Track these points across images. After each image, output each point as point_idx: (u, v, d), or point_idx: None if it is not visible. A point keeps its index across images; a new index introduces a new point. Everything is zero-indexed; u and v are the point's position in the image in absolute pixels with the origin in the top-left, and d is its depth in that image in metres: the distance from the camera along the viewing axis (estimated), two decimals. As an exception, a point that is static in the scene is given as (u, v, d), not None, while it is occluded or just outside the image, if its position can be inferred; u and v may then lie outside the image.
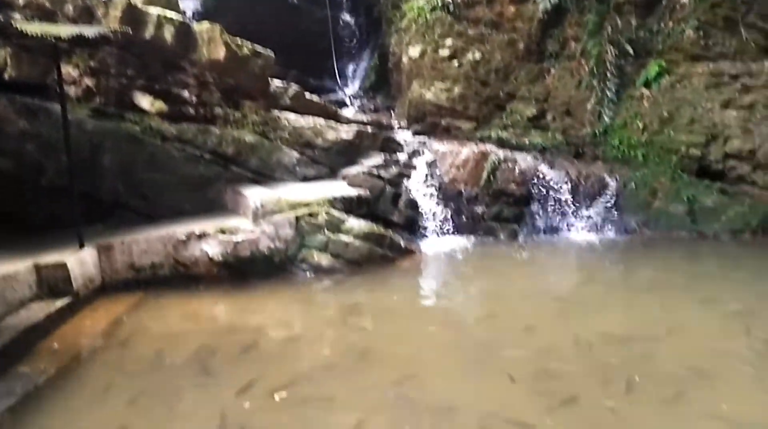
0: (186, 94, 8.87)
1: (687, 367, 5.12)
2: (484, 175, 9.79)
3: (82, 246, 7.08)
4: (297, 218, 7.99)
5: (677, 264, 8.03)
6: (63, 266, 6.56)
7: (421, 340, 6.03)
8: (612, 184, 9.79)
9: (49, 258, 6.63)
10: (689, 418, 4.39)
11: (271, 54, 9.41)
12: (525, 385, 4.92)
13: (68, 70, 8.30)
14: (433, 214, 9.44)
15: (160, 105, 8.69)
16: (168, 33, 8.50)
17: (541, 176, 9.75)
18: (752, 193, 9.59)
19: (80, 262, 6.86)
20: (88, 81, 8.45)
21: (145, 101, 8.67)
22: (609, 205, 9.67)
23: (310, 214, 8.10)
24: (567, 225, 9.65)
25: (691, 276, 7.56)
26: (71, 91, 8.34)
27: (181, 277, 7.50)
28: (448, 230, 9.43)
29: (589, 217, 9.65)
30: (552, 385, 4.91)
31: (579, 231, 9.61)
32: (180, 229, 7.64)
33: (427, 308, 7.09)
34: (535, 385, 4.93)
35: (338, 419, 4.54)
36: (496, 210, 9.71)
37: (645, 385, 4.85)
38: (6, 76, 7.93)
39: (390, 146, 10.11)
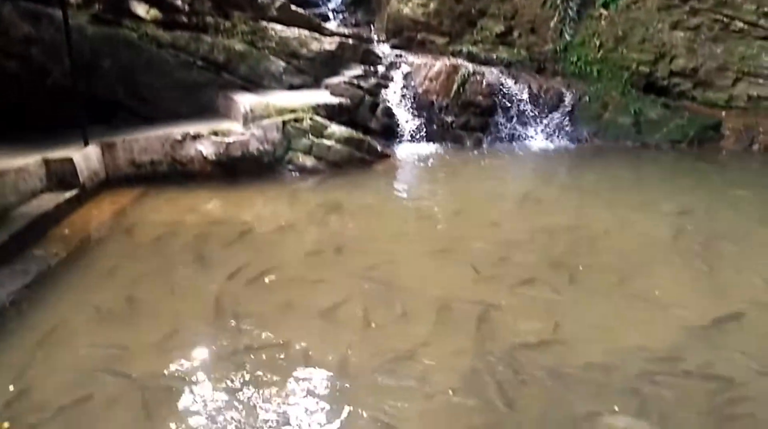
0: (179, 2, 8.42)
1: (626, 258, 5.25)
2: (455, 87, 9.56)
3: (86, 143, 6.90)
4: (284, 123, 7.82)
5: (622, 170, 8.07)
6: (70, 161, 6.41)
7: (395, 233, 6.09)
8: (568, 97, 9.66)
9: (57, 153, 6.47)
10: (626, 300, 4.54)
11: (259, -34, 8.89)
12: (487, 271, 5.02)
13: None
14: (408, 122, 9.30)
15: (154, 13, 8.27)
16: (159, -58, 7.94)
17: (505, 89, 9.57)
18: (691, 107, 9.59)
19: (85, 157, 6.70)
20: (85, -13, 7.96)
21: (140, 9, 8.23)
22: (565, 116, 9.58)
23: (296, 120, 7.93)
24: (527, 134, 9.59)
25: (633, 181, 7.64)
26: (70, -3, 7.85)
27: (179, 173, 7.39)
28: (420, 137, 9.31)
29: (546, 126, 9.58)
30: (511, 270, 5.01)
31: (537, 139, 9.56)
32: (176, 130, 7.46)
33: (400, 206, 7.13)
34: (496, 271, 5.03)
35: (321, 299, 4.63)
36: (464, 119, 9.58)
37: (590, 272, 4.98)
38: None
39: (370, 59, 9.78)
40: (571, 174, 8.17)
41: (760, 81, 9.39)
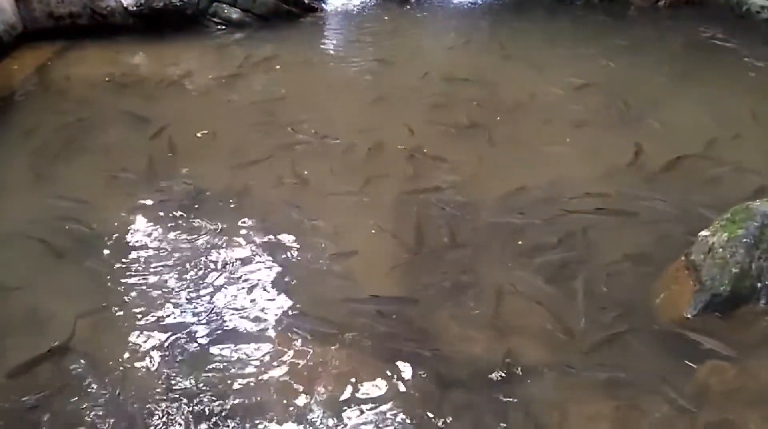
0: None
1: (532, 115, 5.72)
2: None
3: (-3, -6, 6.63)
4: (206, -28, 7.61)
5: (537, 25, 8.20)
6: (-19, 11, 6.22)
7: (326, 85, 6.35)
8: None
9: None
10: (526, 151, 5.12)
11: None
12: (414, 123, 5.39)
13: None
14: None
15: None
16: None
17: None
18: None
19: (-1, 8, 6.49)
20: None
21: None
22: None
23: (219, -31, 7.71)
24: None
25: (546, 39, 7.82)
26: None
27: (100, 27, 7.24)
28: (349, -11, 9.19)
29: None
30: (435, 125, 5.44)
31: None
32: (93, -21, 7.18)
33: (330, 59, 7.27)
34: (420, 123, 5.40)
35: (251, 153, 4.96)
36: (393, -29, 9.43)
37: (502, 127, 5.47)
38: None
39: None
40: (490, 30, 8.30)
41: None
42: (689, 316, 3.32)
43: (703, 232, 3.54)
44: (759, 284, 3.35)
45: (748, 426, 2.84)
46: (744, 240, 3.37)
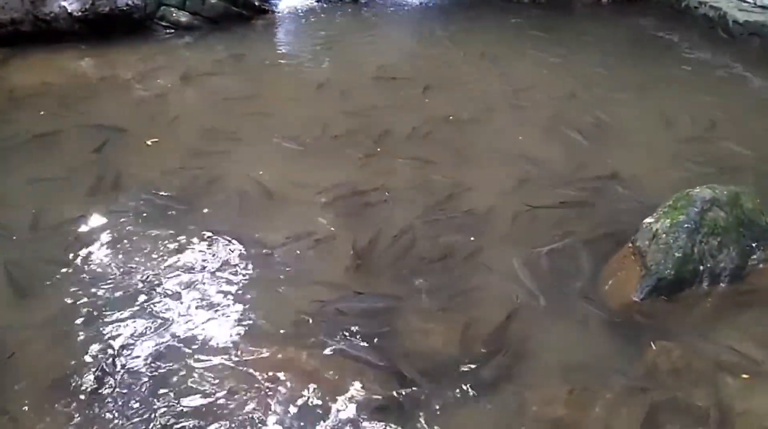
0: None
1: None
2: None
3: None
4: (153, -25, 7.51)
5: (488, 23, 8.41)
6: None
7: (279, 86, 6.39)
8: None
9: None
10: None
11: None
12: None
13: None
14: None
15: None
16: None
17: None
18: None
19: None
20: None
21: None
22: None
23: (166, -28, 7.63)
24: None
25: (497, 37, 8.07)
26: None
27: (44, 33, 7.08)
28: (299, -9, 9.20)
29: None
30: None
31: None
32: (34, -15, 7.01)
33: (282, 59, 7.29)
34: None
35: (207, 157, 4.95)
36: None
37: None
38: None
39: None
40: (443, 29, 8.44)
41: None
42: (637, 300, 3.46)
43: (647, 220, 3.69)
44: (701, 267, 3.51)
45: (695, 402, 2.98)
46: (686, 225, 3.52)
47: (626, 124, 5.55)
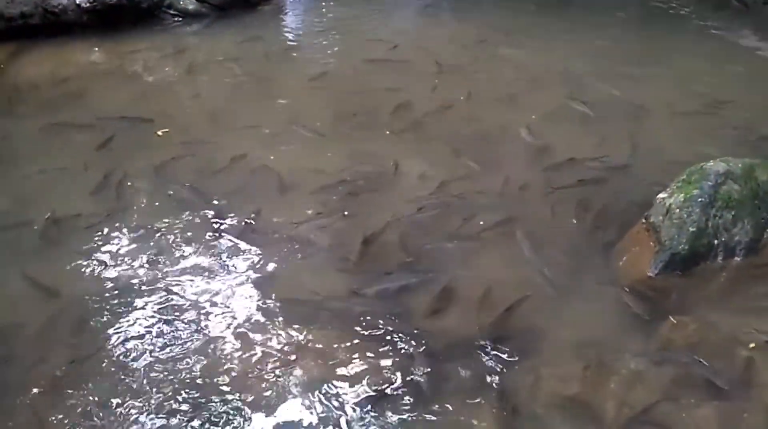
0: None
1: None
2: None
3: (-57, -3, 6.47)
4: (159, -36, 7.50)
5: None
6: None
7: (290, 70, 6.43)
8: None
9: None
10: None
11: None
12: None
13: None
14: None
15: None
16: None
17: None
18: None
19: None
20: None
21: None
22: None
23: (171, -40, 7.61)
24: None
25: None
26: None
27: (53, 26, 7.06)
28: (304, -26, 9.13)
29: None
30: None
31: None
32: (43, -22, 7.03)
33: (291, 44, 7.27)
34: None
35: (222, 151, 4.93)
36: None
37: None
38: None
39: None
40: (450, 8, 8.37)
41: None
42: (651, 275, 3.46)
43: (661, 195, 3.67)
44: (716, 241, 3.50)
45: (711, 376, 2.98)
46: (699, 199, 3.50)
47: (641, 98, 5.50)
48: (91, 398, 2.91)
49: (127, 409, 2.86)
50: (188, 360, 3.11)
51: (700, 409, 2.83)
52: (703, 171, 3.62)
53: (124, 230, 4.02)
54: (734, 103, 5.37)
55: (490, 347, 3.14)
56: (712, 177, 3.56)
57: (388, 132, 5.09)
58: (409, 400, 2.89)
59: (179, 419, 2.82)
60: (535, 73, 6.09)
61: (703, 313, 3.30)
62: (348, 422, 2.79)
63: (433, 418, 2.81)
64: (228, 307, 3.43)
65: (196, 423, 2.81)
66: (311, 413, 2.84)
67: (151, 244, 3.90)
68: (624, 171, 4.51)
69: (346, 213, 4.14)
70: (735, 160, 3.68)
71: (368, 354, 3.13)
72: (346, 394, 2.93)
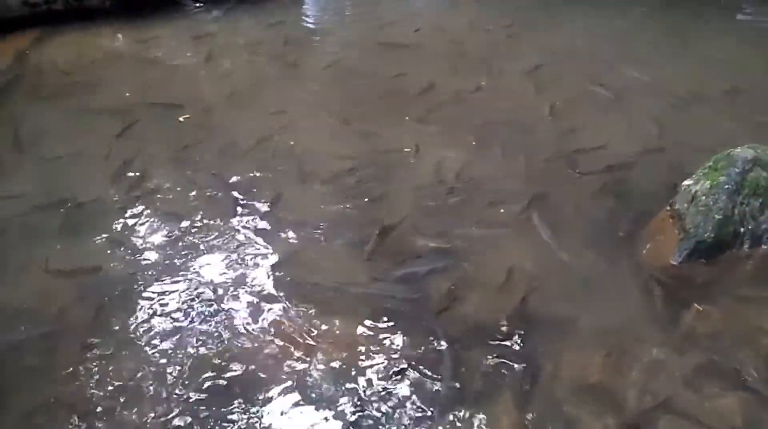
0: None
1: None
2: None
3: (-31, -17, 6.54)
4: (180, -51, 7.50)
5: None
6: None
7: (314, 56, 6.33)
8: None
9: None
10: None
11: None
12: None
13: None
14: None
15: None
16: None
17: None
18: None
19: (-29, -2, 6.40)
20: None
21: None
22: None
23: (192, -55, 7.61)
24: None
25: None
26: None
27: (76, 12, 7.13)
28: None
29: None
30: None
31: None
32: (66, -36, 7.08)
33: (313, 28, 7.21)
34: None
35: (241, 130, 4.99)
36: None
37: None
38: None
39: None
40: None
41: None
42: (675, 263, 3.42)
43: (686, 182, 3.61)
44: (742, 229, 3.44)
45: (734, 365, 2.95)
46: (726, 186, 3.44)
47: (667, 83, 5.41)
48: (110, 379, 2.98)
49: (149, 389, 2.92)
50: (210, 341, 3.16)
51: (723, 399, 2.80)
52: (730, 157, 3.55)
53: (148, 213, 4.08)
54: (762, 89, 5.25)
55: (511, 332, 3.13)
56: (740, 163, 3.49)
57: (408, 118, 5.07)
58: (431, 384, 2.90)
59: (203, 398, 2.87)
60: (559, 57, 5.99)
61: (727, 302, 3.25)
62: (370, 400, 2.82)
63: (454, 402, 2.82)
64: (250, 289, 3.47)
65: (219, 401, 2.85)
66: (332, 395, 2.87)
67: (173, 227, 3.95)
68: (649, 156, 4.43)
69: (366, 199, 4.14)
70: (763, 146, 3.60)
71: (389, 337, 3.14)
72: (367, 375, 2.95)
